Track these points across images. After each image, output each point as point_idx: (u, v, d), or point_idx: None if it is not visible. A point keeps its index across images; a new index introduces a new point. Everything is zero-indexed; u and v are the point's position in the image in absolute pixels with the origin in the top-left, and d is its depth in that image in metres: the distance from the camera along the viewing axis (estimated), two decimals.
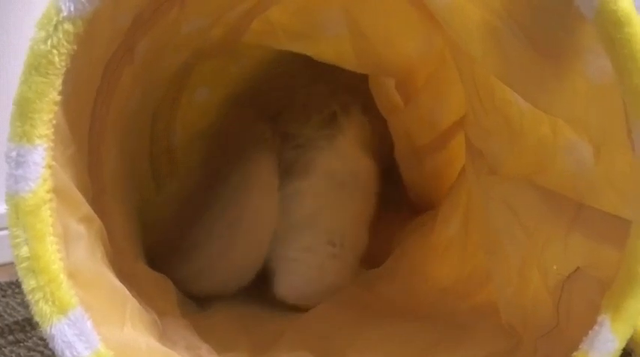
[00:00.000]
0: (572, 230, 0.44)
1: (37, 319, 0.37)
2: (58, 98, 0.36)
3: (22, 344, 0.68)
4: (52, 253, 0.36)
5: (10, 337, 0.69)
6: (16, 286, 0.79)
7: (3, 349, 0.66)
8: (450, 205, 0.68)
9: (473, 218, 0.62)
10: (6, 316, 0.73)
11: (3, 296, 0.78)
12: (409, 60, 0.67)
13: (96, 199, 0.49)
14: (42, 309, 0.36)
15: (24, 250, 0.36)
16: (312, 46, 0.65)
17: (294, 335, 0.58)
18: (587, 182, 0.43)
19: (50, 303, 0.36)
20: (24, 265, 0.36)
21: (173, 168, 0.78)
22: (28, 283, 0.36)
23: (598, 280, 0.42)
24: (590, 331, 0.39)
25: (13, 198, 0.35)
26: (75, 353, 0.37)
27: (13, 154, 0.35)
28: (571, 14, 0.36)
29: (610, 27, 0.34)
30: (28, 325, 0.71)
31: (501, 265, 0.53)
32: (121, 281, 0.47)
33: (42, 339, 0.67)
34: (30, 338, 0.69)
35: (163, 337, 0.50)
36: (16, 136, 0.35)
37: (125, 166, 0.58)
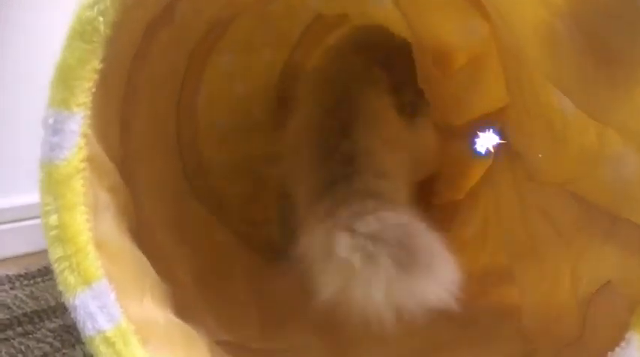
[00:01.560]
0: (606, 241, 0.43)
1: (60, 288, 0.36)
2: (100, 66, 0.35)
3: (30, 336, 0.68)
4: (80, 223, 0.36)
5: (19, 329, 0.70)
6: (24, 278, 0.79)
7: (12, 340, 0.67)
8: (469, 207, 0.67)
9: (495, 221, 0.61)
10: (15, 308, 0.74)
11: (12, 288, 0.78)
12: (448, 44, 0.65)
13: (124, 164, 0.48)
14: (66, 279, 0.36)
15: (53, 219, 0.35)
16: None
17: (305, 319, 0.58)
18: (626, 195, 0.42)
19: (75, 273, 0.36)
20: (52, 233, 0.35)
21: (194, 132, 0.77)
22: (55, 252, 0.36)
23: (628, 296, 0.41)
24: (617, 348, 0.38)
25: (46, 165, 0.35)
26: (96, 326, 0.36)
27: (51, 120, 0.34)
28: (636, 20, 0.34)
29: None
30: (37, 317, 0.71)
31: (532, 270, 0.52)
32: (142, 251, 0.46)
33: (51, 330, 0.68)
34: (39, 330, 0.69)
35: (180, 309, 0.50)
36: (55, 103, 0.34)
37: (155, 128, 0.57)
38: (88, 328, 0.36)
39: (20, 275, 0.79)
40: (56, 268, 0.36)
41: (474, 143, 0.70)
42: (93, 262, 0.36)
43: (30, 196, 0.74)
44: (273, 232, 0.76)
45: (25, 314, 0.72)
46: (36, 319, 0.71)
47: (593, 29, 0.38)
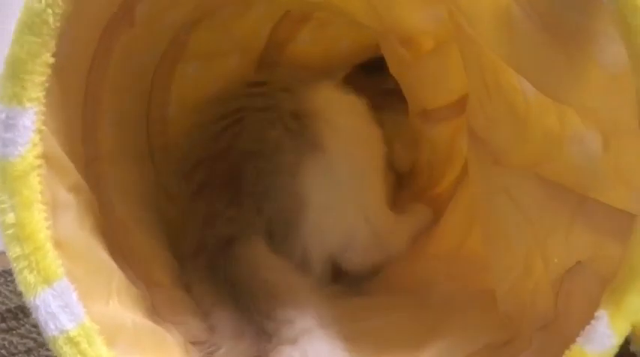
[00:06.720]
0: (574, 222, 0.43)
1: (20, 288, 0.35)
2: (52, 60, 0.34)
3: (14, 332, 0.68)
4: (38, 221, 0.35)
5: (3, 325, 0.69)
6: (8, 274, 0.78)
7: None
8: (456, 195, 0.67)
9: (477, 208, 0.61)
10: None
11: None
12: (414, 29, 0.65)
13: (89, 166, 0.47)
14: (26, 278, 0.35)
15: (10, 217, 0.35)
16: None
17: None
18: (593, 174, 0.42)
19: (35, 272, 0.35)
20: (9, 232, 0.35)
21: (165, 140, 0.76)
22: (13, 251, 0.35)
23: (598, 275, 0.41)
24: (587, 326, 0.38)
25: (0, 162, 0.34)
26: (59, 325, 0.36)
27: (3, 116, 0.34)
28: None
29: (628, 13, 0.33)
30: (21, 312, 0.71)
31: (503, 255, 0.52)
32: (113, 252, 0.46)
33: (35, 326, 0.67)
34: (23, 325, 0.69)
35: (152, 311, 0.49)
36: (6, 98, 0.34)
37: (125, 132, 0.57)
38: (50, 329, 0.36)
39: (4, 271, 0.78)
40: (15, 267, 0.35)
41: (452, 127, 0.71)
42: (53, 260, 0.35)
43: None
44: None
45: (8, 310, 0.72)
46: (20, 315, 0.71)
47: (549, 9, 0.38)
